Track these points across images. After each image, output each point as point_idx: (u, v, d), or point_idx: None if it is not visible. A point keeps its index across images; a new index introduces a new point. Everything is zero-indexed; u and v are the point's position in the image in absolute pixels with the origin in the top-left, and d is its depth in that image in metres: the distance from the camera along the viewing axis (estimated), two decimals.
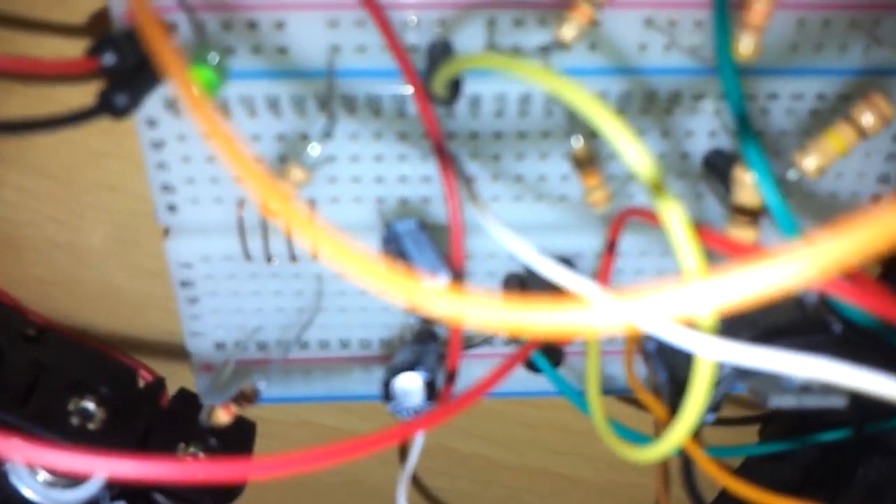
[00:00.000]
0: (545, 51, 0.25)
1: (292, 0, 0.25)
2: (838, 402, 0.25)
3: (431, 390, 0.27)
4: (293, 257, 0.29)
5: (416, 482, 0.42)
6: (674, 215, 0.16)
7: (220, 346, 0.31)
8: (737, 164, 0.22)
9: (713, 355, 0.16)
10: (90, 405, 0.29)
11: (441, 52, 0.25)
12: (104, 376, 0.29)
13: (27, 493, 0.29)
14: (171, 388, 0.32)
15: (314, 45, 0.25)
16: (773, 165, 0.21)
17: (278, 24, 0.25)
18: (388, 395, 0.27)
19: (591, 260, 0.30)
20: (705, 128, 0.28)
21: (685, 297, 0.12)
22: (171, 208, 0.28)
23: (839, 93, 0.27)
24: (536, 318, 0.12)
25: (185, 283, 0.30)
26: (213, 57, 0.23)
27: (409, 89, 0.26)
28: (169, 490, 0.29)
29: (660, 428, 0.28)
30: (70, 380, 0.29)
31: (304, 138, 0.27)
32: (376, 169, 0.28)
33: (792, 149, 0.23)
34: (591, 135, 0.27)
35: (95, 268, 0.33)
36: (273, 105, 0.26)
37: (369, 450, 0.17)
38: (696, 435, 0.24)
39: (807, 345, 0.19)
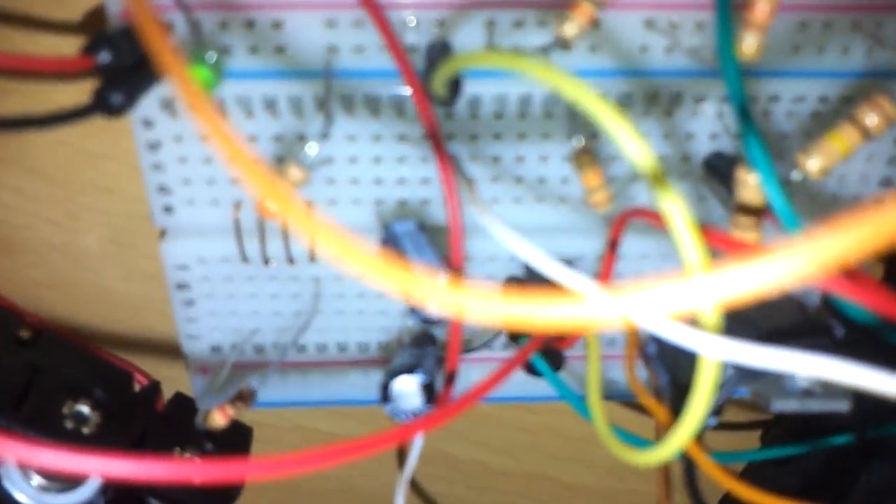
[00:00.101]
0: (545, 51, 0.24)
1: None
2: (841, 406, 0.25)
3: (430, 393, 0.27)
4: (290, 259, 0.29)
5: (414, 487, 0.42)
6: (675, 208, 0.15)
7: (216, 349, 0.31)
8: (739, 165, 0.22)
9: (717, 354, 0.16)
10: (85, 409, 0.28)
11: (440, 52, 0.25)
12: (99, 380, 0.29)
13: (20, 497, 0.28)
14: (167, 392, 0.32)
15: (312, 44, 0.25)
16: (775, 167, 0.21)
17: (276, 23, 0.25)
18: (386, 397, 0.27)
19: (592, 263, 0.30)
20: (706, 130, 0.28)
21: (688, 291, 0.12)
22: (168, 210, 0.28)
23: (841, 95, 0.27)
24: (536, 312, 0.12)
25: (181, 286, 0.29)
26: (211, 56, 0.23)
27: (407, 90, 0.25)
28: (164, 494, 0.29)
29: (661, 433, 0.28)
30: (65, 383, 0.29)
31: (302, 139, 0.27)
32: (375, 170, 0.28)
33: (793, 151, 0.23)
34: (592, 136, 0.27)
35: (91, 270, 0.33)
36: (270, 105, 0.26)
37: (368, 451, 0.17)
38: (699, 439, 0.24)
39: (809, 347, 0.19)
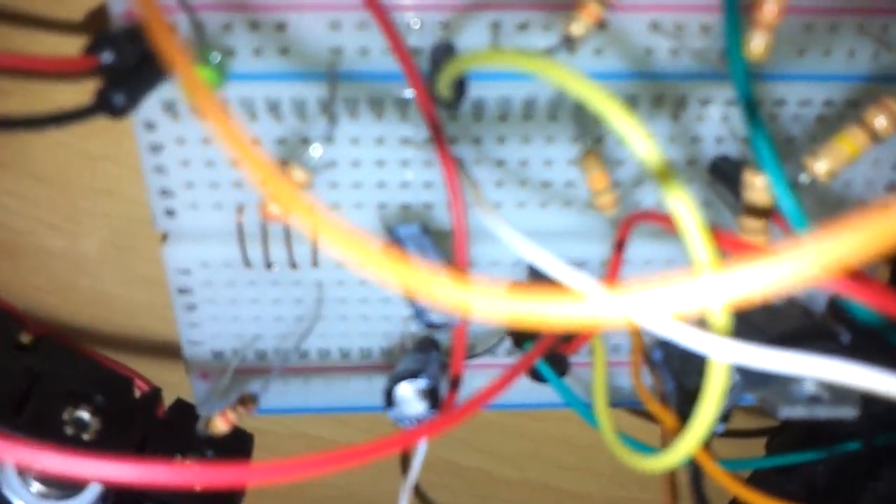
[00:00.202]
0: (550, 53, 0.24)
1: (294, 1, 0.24)
2: (849, 413, 0.24)
3: (434, 398, 0.26)
4: (293, 264, 0.28)
5: (417, 496, 0.41)
6: (683, 205, 0.15)
7: (217, 354, 0.31)
8: (746, 168, 0.22)
9: (727, 357, 0.15)
10: (85, 415, 0.28)
11: (444, 54, 0.25)
12: (99, 385, 0.29)
13: None
14: (168, 398, 0.31)
15: (316, 46, 0.25)
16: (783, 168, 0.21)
17: (279, 25, 0.25)
18: (390, 402, 0.27)
19: (596, 268, 0.29)
20: (712, 133, 0.27)
21: (697, 290, 0.12)
22: (170, 213, 0.28)
23: (847, 99, 0.27)
24: (542, 310, 0.12)
25: (182, 290, 0.29)
26: (215, 56, 0.23)
27: (412, 92, 0.25)
28: (166, 501, 0.29)
29: (668, 439, 0.27)
30: (65, 389, 0.28)
31: (305, 142, 0.27)
32: (378, 174, 0.28)
33: (799, 155, 0.23)
34: (598, 139, 0.27)
35: (91, 274, 0.33)
36: (273, 108, 0.26)
37: (371, 457, 0.16)
38: (707, 445, 0.24)
39: (815, 352, 0.19)
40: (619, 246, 0.25)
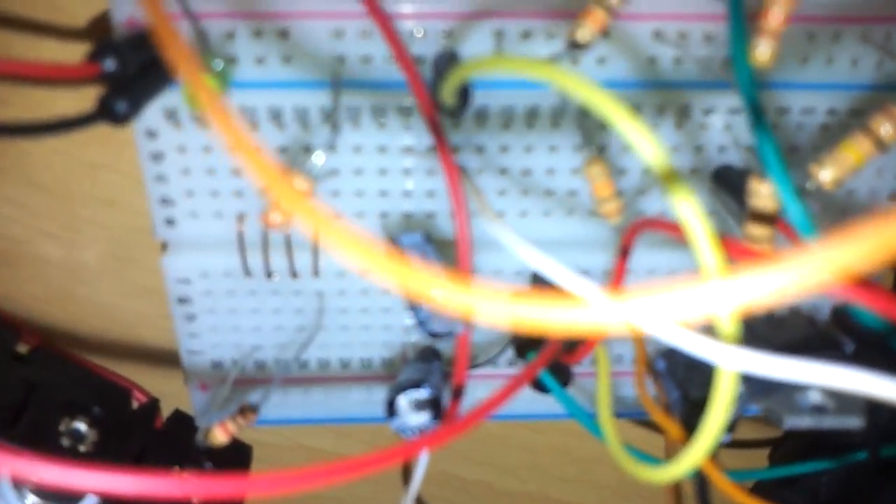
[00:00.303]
0: (554, 60, 0.24)
1: (297, 9, 0.24)
2: (855, 423, 0.24)
3: (437, 408, 0.26)
4: (294, 273, 0.28)
5: None
6: (690, 209, 0.15)
7: (217, 364, 0.31)
8: (752, 176, 0.22)
9: (736, 365, 0.15)
10: (82, 426, 0.28)
11: (447, 62, 0.24)
12: (97, 396, 0.29)
13: None
14: (166, 409, 0.31)
15: (319, 55, 0.25)
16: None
17: (282, 33, 0.24)
18: (392, 412, 0.26)
19: (599, 277, 0.29)
20: (715, 142, 0.27)
21: (705, 295, 0.12)
22: (170, 222, 0.28)
23: (850, 107, 0.27)
24: (547, 315, 0.12)
25: (182, 300, 0.29)
26: (218, 64, 0.23)
27: (415, 101, 0.25)
28: None
29: (672, 450, 0.27)
30: (61, 400, 0.28)
31: (307, 151, 0.26)
32: (380, 183, 0.27)
33: (803, 164, 0.23)
34: (601, 148, 0.27)
35: (90, 284, 0.32)
36: (276, 116, 0.26)
37: (372, 469, 0.16)
38: (714, 455, 0.23)
39: (821, 361, 0.19)
40: (624, 253, 0.24)
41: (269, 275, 0.28)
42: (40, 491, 0.27)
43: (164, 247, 0.28)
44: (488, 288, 0.12)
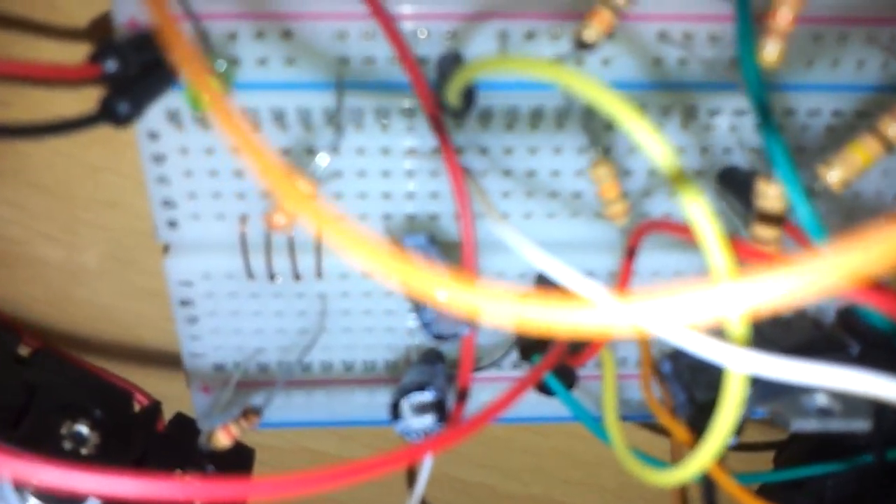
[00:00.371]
0: (560, 60, 0.24)
1: (300, 10, 0.24)
2: (861, 427, 0.24)
3: (441, 411, 0.26)
4: (297, 275, 0.28)
5: None
6: (699, 209, 0.15)
7: (219, 367, 0.30)
8: (759, 177, 0.22)
9: (746, 368, 0.15)
10: (83, 429, 0.28)
11: (451, 63, 0.24)
12: (98, 399, 0.28)
13: None
14: (168, 412, 0.31)
15: (322, 56, 0.25)
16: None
17: (286, 34, 0.24)
18: (396, 414, 0.26)
19: (603, 279, 0.29)
20: (720, 144, 0.27)
21: (715, 298, 0.12)
22: (172, 224, 0.28)
23: (856, 109, 0.27)
24: (554, 316, 0.12)
25: (184, 302, 0.29)
26: (221, 64, 0.23)
27: (419, 102, 0.25)
28: None
29: (678, 453, 0.27)
30: (63, 402, 0.28)
31: (310, 152, 0.26)
32: (384, 185, 0.27)
33: (809, 165, 0.23)
34: (606, 150, 0.27)
35: (90, 286, 0.32)
36: (278, 118, 0.26)
37: (376, 472, 0.16)
38: (721, 458, 0.23)
39: (828, 363, 0.19)
40: (630, 254, 0.24)
41: (271, 277, 0.28)
42: (42, 494, 0.27)
43: (166, 249, 0.28)
44: (493, 289, 0.12)
